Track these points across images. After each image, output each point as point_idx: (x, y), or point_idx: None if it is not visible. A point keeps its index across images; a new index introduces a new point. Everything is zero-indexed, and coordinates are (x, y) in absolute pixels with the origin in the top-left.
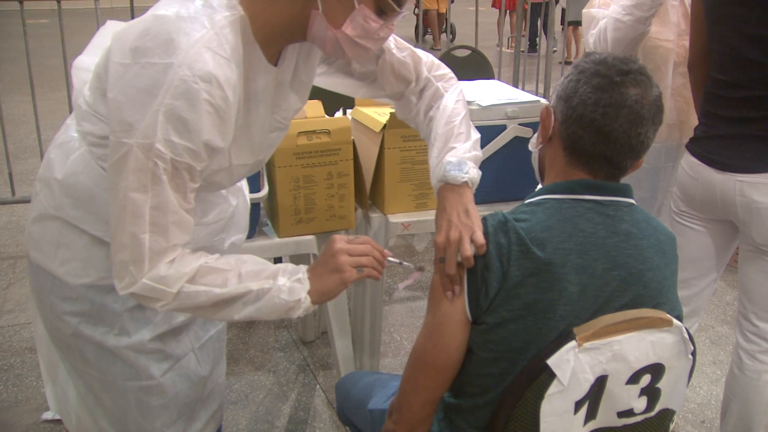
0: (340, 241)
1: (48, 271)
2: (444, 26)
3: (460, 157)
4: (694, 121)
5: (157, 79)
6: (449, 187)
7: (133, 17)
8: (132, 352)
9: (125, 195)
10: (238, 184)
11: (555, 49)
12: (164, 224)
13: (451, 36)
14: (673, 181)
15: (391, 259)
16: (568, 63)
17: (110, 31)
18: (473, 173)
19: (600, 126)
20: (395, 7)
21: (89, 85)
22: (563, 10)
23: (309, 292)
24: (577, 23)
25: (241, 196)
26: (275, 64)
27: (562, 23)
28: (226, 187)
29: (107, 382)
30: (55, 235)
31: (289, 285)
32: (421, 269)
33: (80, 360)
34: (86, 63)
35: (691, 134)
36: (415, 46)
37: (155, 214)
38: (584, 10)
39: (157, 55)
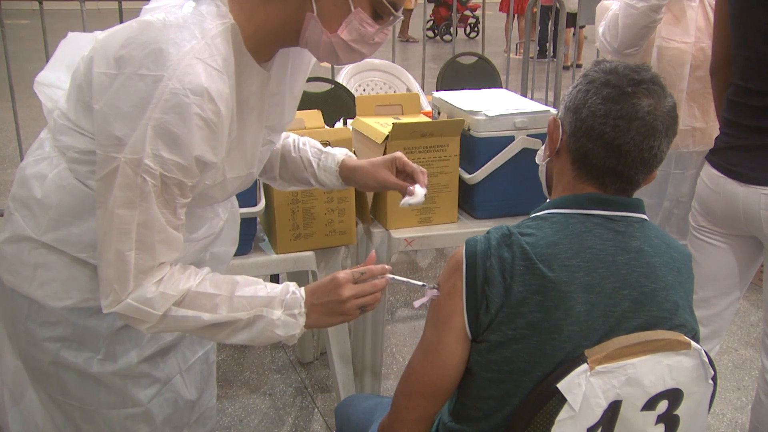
0: (348, 285)
1: (24, 295)
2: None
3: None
4: (709, 129)
5: (147, 92)
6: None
7: (121, 20)
8: (118, 378)
9: (112, 211)
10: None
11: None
12: (150, 242)
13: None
14: (686, 192)
15: (397, 278)
16: (578, 66)
17: (73, 45)
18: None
19: (610, 139)
20: (392, 10)
21: (68, 97)
22: (567, 15)
23: (304, 325)
24: (581, 27)
25: (231, 210)
26: (268, 69)
27: (571, 26)
28: (218, 201)
29: (90, 412)
30: (32, 256)
31: (284, 319)
32: (434, 288)
33: (59, 390)
34: (50, 78)
35: (704, 142)
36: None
37: (142, 231)
38: (599, 4)
39: (145, 66)
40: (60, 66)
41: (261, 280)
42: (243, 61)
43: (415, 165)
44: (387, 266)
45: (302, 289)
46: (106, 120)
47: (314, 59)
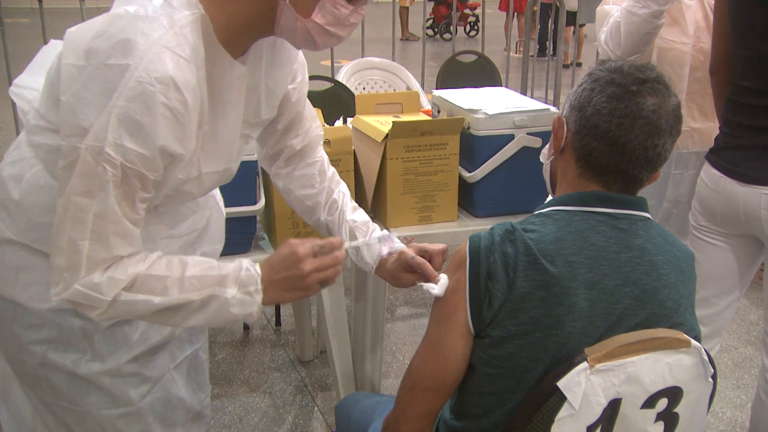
0: (308, 259)
1: (8, 298)
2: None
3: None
4: (708, 129)
5: (113, 81)
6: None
7: None
8: (107, 378)
9: (69, 198)
10: (212, 192)
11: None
12: (105, 233)
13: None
14: (685, 192)
15: (353, 243)
16: (578, 65)
17: (54, 51)
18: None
19: (615, 137)
20: None
21: (41, 93)
22: (567, 13)
23: (261, 302)
24: (581, 25)
25: (214, 206)
26: (243, 62)
27: (570, 25)
28: (196, 197)
29: (81, 413)
30: (14, 258)
31: (240, 297)
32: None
33: (49, 392)
34: (28, 83)
35: (703, 142)
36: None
37: (97, 221)
38: (598, 8)
39: (113, 56)
40: (39, 71)
41: (214, 260)
42: (214, 53)
43: (419, 258)
44: (342, 238)
45: (257, 265)
46: (72, 111)
47: (295, 55)
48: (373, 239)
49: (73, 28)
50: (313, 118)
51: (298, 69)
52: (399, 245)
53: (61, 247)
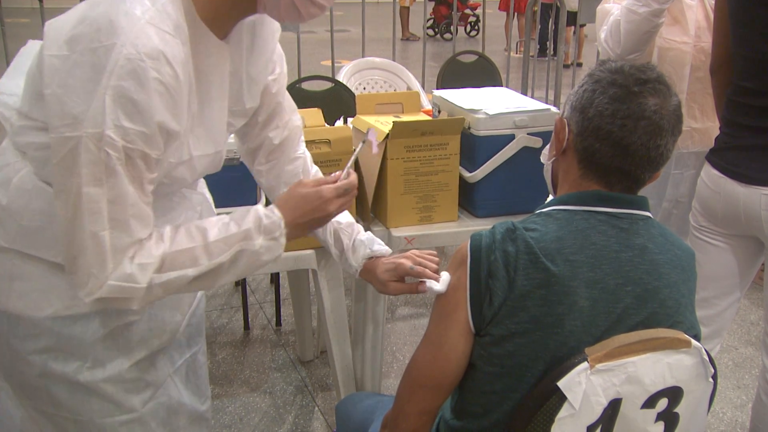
0: (334, 200)
1: (3, 310)
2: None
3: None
4: (709, 129)
5: (100, 63)
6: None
7: None
8: (109, 385)
9: (78, 192)
10: (202, 191)
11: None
12: (124, 218)
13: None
14: (685, 192)
15: (350, 163)
16: (579, 65)
17: (32, 52)
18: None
19: (618, 138)
20: None
21: (22, 93)
22: (568, 13)
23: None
24: (581, 25)
25: (204, 203)
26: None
27: (571, 25)
28: (189, 183)
29: (83, 423)
30: (6, 267)
31: (267, 245)
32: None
33: (50, 403)
34: (8, 87)
35: (704, 142)
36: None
37: (113, 208)
38: (598, 7)
39: (97, 39)
40: (19, 74)
41: (225, 217)
42: (198, 32)
43: (418, 268)
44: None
45: (275, 208)
46: (60, 101)
47: (274, 45)
48: (358, 241)
49: (53, 20)
50: (292, 111)
51: (277, 61)
52: (385, 249)
53: (83, 245)
